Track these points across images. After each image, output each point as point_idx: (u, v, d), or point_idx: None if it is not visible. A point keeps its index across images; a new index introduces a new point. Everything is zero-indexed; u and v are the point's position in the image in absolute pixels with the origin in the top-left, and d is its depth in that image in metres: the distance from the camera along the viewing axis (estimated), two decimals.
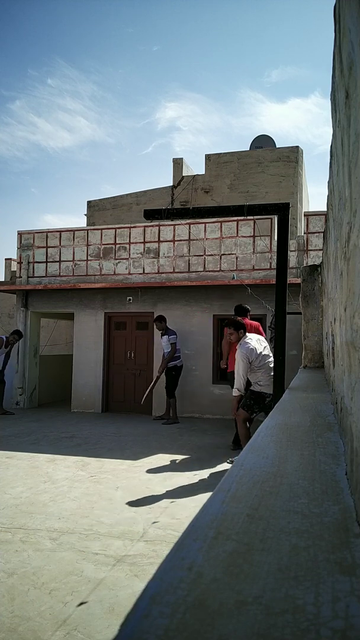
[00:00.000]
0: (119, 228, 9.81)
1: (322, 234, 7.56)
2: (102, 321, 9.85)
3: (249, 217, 8.25)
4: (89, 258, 9.91)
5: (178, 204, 13.05)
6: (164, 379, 8.53)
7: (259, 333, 6.42)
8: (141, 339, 9.71)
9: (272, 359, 5.35)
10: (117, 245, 9.75)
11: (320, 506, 0.81)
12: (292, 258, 8.81)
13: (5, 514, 4.05)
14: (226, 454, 6.07)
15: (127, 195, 14.26)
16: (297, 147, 12.51)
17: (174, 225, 9.34)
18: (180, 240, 9.33)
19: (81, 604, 2.69)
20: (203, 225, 9.18)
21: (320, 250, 8.17)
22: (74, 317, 10.11)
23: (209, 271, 9.14)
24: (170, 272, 9.36)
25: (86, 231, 10.06)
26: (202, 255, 9.20)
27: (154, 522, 3.86)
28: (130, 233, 9.67)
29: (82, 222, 16.78)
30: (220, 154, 13.01)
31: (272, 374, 4.83)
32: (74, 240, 10.01)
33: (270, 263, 8.77)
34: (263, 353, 5.48)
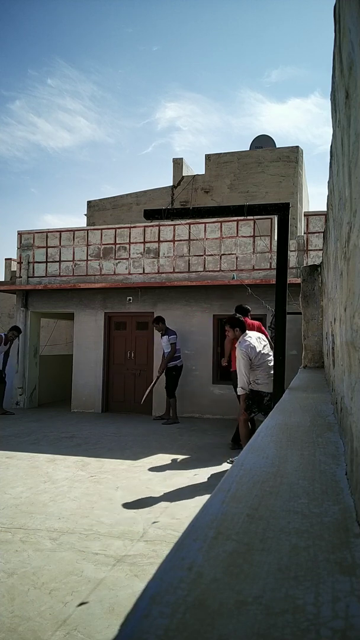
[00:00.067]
0: (119, 228, 9.81)
1: (322, 234, 7.56)
2: (102, 321, 9.85)
3: (249, 217, 8.25)
4: (89, 258, 9.91)
5: (178, 204, 13.05)
6: (164, 379, 8.53)
7: (261, 332, 6.41)
8: (141, 339, 9.71)
9: (271, 357, 5.35)
10: (117, 245, 9.75)
11: (320, 506, 0.81)
12: (292, 258, 8.81)
13: (5, 514, 4.05)
14: (226, 453, 6.07)
15: (127, 195, 14.26)
16: (297, 147, 12.51)
17: (174, 225, 9.34)
18: (180, 240, 9.33)
19: (81, 604, 2.69)
20: (203, 225, 9.18)
21: (320, 250, 8.17)
22: (74, 317, 10.11)
23: (209, 271, 9.14)
24: (170, 272, 9.36)
25: (86, 231, 10.06)
26: (202, 255, 9.20)
27: (154, 522, 3.86)
28: (130, 233, 9.67)
29: (82, 222, 16.80)
30: (220, 154, 13.01)
31: (272, 372, 4.82)
32: (74, 240, 10.01)
33: (270, 263, 8.77)
34: (262, 352, 5.47)
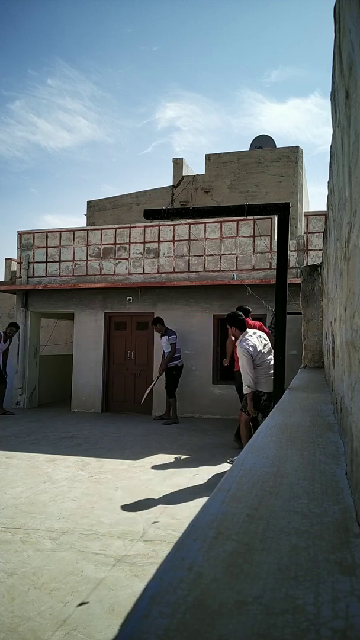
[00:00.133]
0: (119, 228, 9.81)
1: (322, 234, 7.56)
2: (102, 321, 9.86)
3: (249, 217, 8.25)
4: (89, 258, 9.91)
5: (178, 204, 13.05)
6: (164, 379, 8.54)
7: (263, 331, 6.41)
8: (141, 339, 9.72)
9: (272, 357, 5.34)
10: (117, 245, 9.75)
11: (320, 506, 0.81)
12: (292, 258, 8.81)
13: (5, 514, 4.05)
14: (226, 453, 6.07)
15: (127, 195, 14.26)
16: (297, 147, 12.51)
17: (174, 225, 9.34)
18: (180, 240, 9.33)
19: (81, 604, 2.69)
20: (203, 225, 9.18)
21: (320, 250, 8.17)
22: (74, 317, 10.11)
23: (209, 271, 9.14)
24: (170, 272, 9.36)
25: (86, 231, 10.07)
26: (202, 255, 9.20)
27: (154, 522, 3.86)
28: (130, 233, 9.67)
29: (82, 222, 16.79)
30: (220, 154, 13.01)
31: (272, 372, 4.82)
32: (74, 240, 10.01)
33: (270, 263, 8.77)
34: (263, 351, 5.47)
